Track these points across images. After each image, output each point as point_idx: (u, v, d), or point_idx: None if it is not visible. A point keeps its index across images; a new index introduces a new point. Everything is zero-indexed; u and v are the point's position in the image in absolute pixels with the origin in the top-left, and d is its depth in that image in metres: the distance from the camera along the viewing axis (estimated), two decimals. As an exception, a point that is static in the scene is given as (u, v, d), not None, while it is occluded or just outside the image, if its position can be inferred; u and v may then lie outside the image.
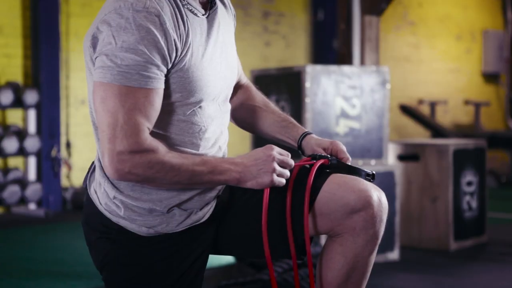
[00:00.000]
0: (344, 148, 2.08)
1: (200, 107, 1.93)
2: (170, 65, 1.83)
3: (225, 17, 2.06)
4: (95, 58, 1.82)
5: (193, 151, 1.93)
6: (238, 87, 2.24)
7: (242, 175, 1.88)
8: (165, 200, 1.91)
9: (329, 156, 2.02)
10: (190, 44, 1.86)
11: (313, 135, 2.14)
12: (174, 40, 1.82)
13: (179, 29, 1.84)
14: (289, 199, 1.94)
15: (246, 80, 2.29)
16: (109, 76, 1.77)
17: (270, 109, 2.22)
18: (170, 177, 1.82)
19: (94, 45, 1.82)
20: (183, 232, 1.94)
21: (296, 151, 2.17)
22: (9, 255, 4.88)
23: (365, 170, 2.03)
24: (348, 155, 2.06)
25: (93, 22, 1.86)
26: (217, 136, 2.00)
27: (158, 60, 1.79)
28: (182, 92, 1.88)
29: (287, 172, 1.91)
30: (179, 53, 1.84)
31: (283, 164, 1.91)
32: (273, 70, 4.70)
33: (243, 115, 2.24)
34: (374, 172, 2.03)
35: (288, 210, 1.94)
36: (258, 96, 2.25)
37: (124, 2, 1.79)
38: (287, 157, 1.92)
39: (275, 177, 1.88)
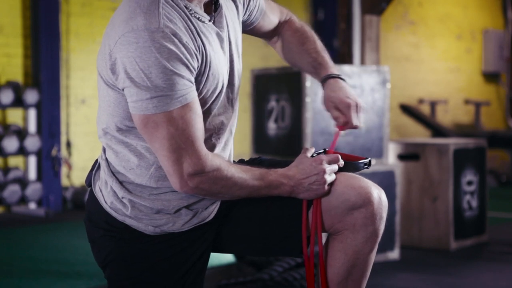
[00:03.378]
0: (353, 113, 2.07)
1: (212, 113, 1.94)
2: (194, 75, 1.85)
3: (230, 12, 2.05)
4: (123, 89, 1.82)
5: None
6: (279, 25, 2.30)
7: (295, 189, 1.93)
8: (174, 201, 1.93)
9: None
10: (207, 53, 1.87)
11: (332, 82, 2.15)
12: (195, 53, 1.83)
13: (195, 41, 1.85)
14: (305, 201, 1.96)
15: (287, 16, 2.33)
16: (151, 108, 1.79)
17: (304, 48, 2.25)
18: (233, 191, 1.89)
19: (114, 70, 1.81)
20: (187, 231, 1.95)
21: None
22: (9, 255, 4.88)
23: (362, 161, 2.03)
24: (357, 121, 2.07)
25: (104, 42, 1.85)
26: (226, 138, 2.02)
27: (187, 74, 1.81)
28: (200, 99, 1.89)
29: (334, 176, 1.96)
30: (199, 64, 1.85)
31: (332, 172, 1.95)
32: (273, 70, 4.70)
33: (283, 51, 2.31)
34: (370, 159, 2.04)
35: (305, 208, 1.95)
36: (295, 35, 2.29)
37: (136, 23, 1.77)
38: (335, 164, 1.96)
39: (327, 187, 1.94)
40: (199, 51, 1.85)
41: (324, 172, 1.92)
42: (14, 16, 6.94)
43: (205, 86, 1.89)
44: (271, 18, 2.24)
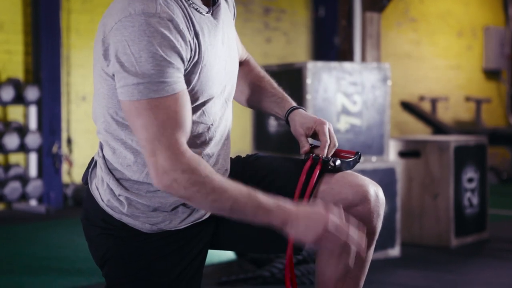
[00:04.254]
0: (326, 130, 2.05)
1: (208, 106, 1.92)
2: (186, 66, 1.82)
3: (226, 10, 2.05)
4: (113, 73, 1.79)
5: (199, 150, 1.92)
6: (240, 59, 2.25)
7: (288, 228, 1.78)
8: (171, 198, 1.91)
9: (329, 158, 2.00)
10: (201, 45, 1.85)
11: (299, 111, 2.12)
12: (189, 41, 1.81)
13: (191, 30, 1.83)
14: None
15: (246, 56, 2.29)
16: (136, 93, 1.75)
17: (262, 84, 2.21)
18: (209, 199, 1.76)
19: (106, 56, 1.79)
20: (185, 229, 1.95)
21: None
22: (10, 252, 4.88)
23: (353, 159, 2.02)
24: (327, 138, 2.03)
25: (99, 29, 1.83)
26: (222, 133, 2.00)
27: (178, 63, 1.77)
28: (193, 93, 1.87)
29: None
30: (193, 54, 1.83)
31: (337, 230, 1.76)
32: (274, 67, 4.70)
33: (237, 91, 2.23)
34: (359, 152, 2.04)
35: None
36: (253, 72, 2.25)
37: (134, 8, 1.76)
38: (344, 224, 1.76)
39: (317, 243, 1.78)
40: (193, 41, 1.83)
41: (326, 221, 1.75)
42: (14, 13, 6.94)
43: (200, 78, 1.86)
44: (238, 47, 2.22)
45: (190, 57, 1.82)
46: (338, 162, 1.96)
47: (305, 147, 2.06)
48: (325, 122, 2.06)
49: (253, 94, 2.22)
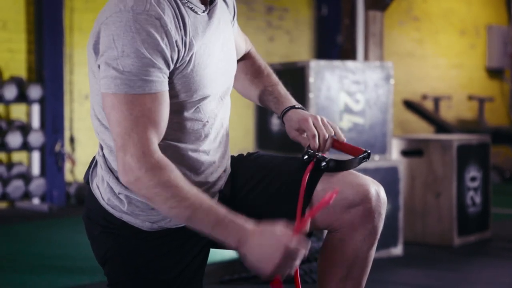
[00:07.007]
0: (310, 123, 2.00)
1: (203, 104, 1.92)
2: (172, 67, 1.81)
3: (224, 11, 2.04)
4: (99, 66, 1.81)
5: (195, 147, 1.92)
6: (243, 52, 2.25)
7: (244, 249, 1.72)
8: None
9: (326, 157, 1.97)
10: (193, 44, 1.85)
11: (289, 113, 2.08)
12: (176, 41, 1.80)
13: (181, 30, 1.82)
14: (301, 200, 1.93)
15: (248, 48, 2.28)
16: (113, 87, 1.75)
17: (262, 80, 2.19)
18: (168, 204, 1.74)
19: (96, 50, 1.81)
20: (184, 227, 1.94)
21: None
22: (13, 250, 4.89)
23: (361, 156, 2.00)
24: (312, 131, 1.98)
25: (94, 24, 1.85)
26: (218, 130, 2.00)
27: (160, 63, 1.77)
28: (187, 92, 1.87)
29: (294, 266, 1.71)
30: (181, 54, 1.83)
31: (293, 257, 1.70)
32: (277, 65, 4.69)
33: (237, 85, 2.22)
34: (368, 151, 2.01)
35: (300, 204, 1.93)
36: (254, 66, 2.24)
37: (124, 5, 1.77)
38: (302, 249, 1.69)
39: (273, 271, 1.70)
40: (183, 41, 1.82)
41: (284, 251, 1.68)
42: (17, 11, 6.94)
43: (192, 76, 1.86)
44: (240, 40, 2.22)
45: (178, 57, 1.82)
46: (331, 163, 1.95)
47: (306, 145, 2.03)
48: (308, 118, 2.02)
49: (252, 89, 2.21)
